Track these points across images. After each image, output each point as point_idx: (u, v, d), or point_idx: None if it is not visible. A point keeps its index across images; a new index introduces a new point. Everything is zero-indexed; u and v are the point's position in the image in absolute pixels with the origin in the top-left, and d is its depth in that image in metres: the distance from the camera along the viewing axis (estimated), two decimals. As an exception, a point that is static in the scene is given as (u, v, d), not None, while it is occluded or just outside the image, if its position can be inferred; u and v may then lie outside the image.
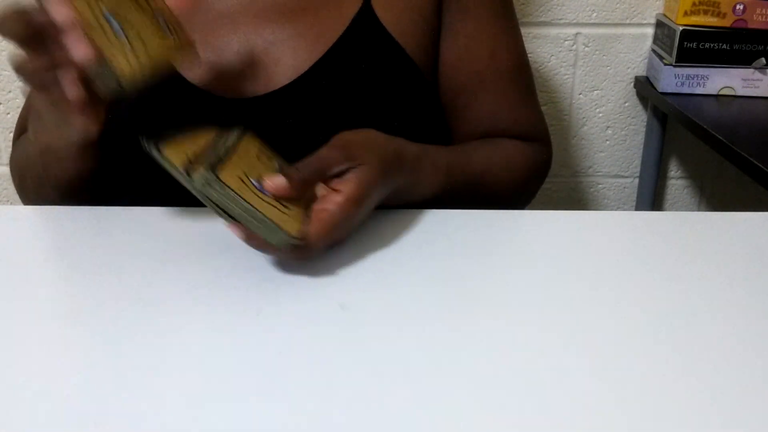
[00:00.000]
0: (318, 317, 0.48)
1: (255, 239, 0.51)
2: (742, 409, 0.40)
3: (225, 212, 0.49)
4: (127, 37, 0.51)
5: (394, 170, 0.59)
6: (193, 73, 0.68)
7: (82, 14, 0.48)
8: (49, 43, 0.49)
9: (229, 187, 0.48)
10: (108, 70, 0.50)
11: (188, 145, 0.52)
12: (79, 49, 0.48)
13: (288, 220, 0.51)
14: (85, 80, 0.52)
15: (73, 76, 0.50)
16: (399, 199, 0.61)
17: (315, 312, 0.48)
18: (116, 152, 0.66)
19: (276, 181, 0.52)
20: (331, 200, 0.53)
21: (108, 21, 0.50)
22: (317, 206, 0.53)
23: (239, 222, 0.49)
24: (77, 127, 0.55)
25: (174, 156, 0.49)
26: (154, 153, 0.48)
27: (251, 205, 0.49)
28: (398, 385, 0.41)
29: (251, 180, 0.52)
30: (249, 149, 0.56)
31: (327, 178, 0.55)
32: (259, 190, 0.51)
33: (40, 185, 0.68)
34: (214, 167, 0.49)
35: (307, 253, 0.52)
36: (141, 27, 0.53)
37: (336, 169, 0.54)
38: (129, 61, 0.50)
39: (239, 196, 0.48)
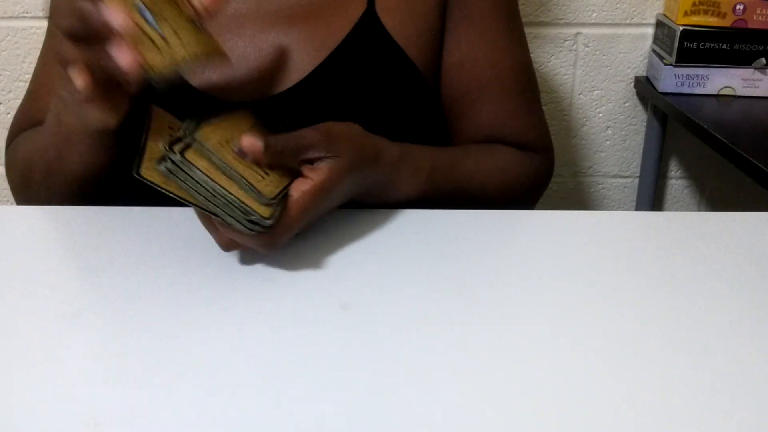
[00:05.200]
0: (319, 317, 0.48)
1: (213, 225, 0.51)
2: (743, 408, 0.40)
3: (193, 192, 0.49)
4: (161, 31, 0.51)
5: (368, 167, 0.59)
6: (197, 76, 0.68)
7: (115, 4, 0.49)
8: (93, 37, 0.49)
9: (196, 166, 0.49)
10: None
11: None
12: (125, 56, 0.48)
13: (258, 194, 0.50)
14: (107, 71, 0.52)
15: (85, 71, 0.51)
16: (373, 197, 0.62)
17: (316, 312, 0.48)
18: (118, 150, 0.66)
19: (252, 142, 0.52)
20: (297, 188, 0.53)
21: (142, 14, 0.50)
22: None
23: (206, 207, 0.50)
24: (93, 117, 0.56)
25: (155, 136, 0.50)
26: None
27: (217, 183, 0.49)
28: (399, 385, 0.41)
29: (231, 146, 0.52)
30: (240, 122, 0.56)
31: (301, 161, 0.55)
32: (239, 154, 0.51)
33: (50, 177, 0.67)
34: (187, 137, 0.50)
35: (275, 239, 0.52)
36: (176, 23, 0.53)
37: (312, 154, 0.54)
38: (162, 54, 0.50)
39: (204, 174, 0.49)
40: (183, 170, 0.48)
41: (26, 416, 0.39)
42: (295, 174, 0.54)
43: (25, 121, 0.76)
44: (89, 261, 0.54)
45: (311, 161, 0.55)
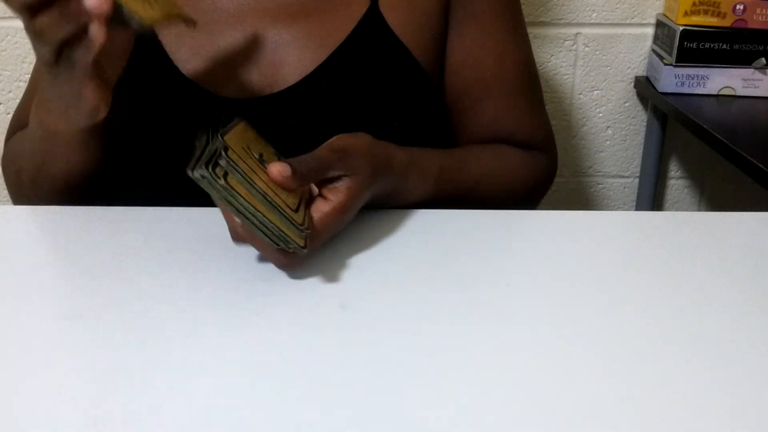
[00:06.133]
0: (318, 317, 0.48)
1: (242, 233, 0.51)
2: (743, 408, 0.40)
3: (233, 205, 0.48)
4: None
5: (382, 177, 0.59)
6: (196, 70, 0.68)
7: None
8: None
9: (239, 193, 0.48)
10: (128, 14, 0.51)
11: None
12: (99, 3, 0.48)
13: (296, 226, 0.50)
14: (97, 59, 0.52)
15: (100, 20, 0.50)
16: (383, 203, 0.62)
17: (315, 312, 0.48)
18: (118, 148, 0.66)
19: (280, 169, 0.50)
20: (318, 209, 0.53)
21: None
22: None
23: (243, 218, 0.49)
24: (89, 102, 0.54)
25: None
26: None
27: (258, 211, 0.48)
28: (399, 384, 0.41)
29: (253, 153, 0.52)
30: (246, 132, 0.56)
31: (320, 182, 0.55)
32: (262, 165, 0.51)
33: (38, 178, 0.67)
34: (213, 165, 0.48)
35: (295, 259, 0.52)
36: None
37: (331, 174, 0.54)
38: (145, 8, 0.51)
39: (246, 201, 0.48)
40: (226, 194, 0.47)
41: (26, 416, 0.39)
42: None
43: (21, 121, 0.76)
44: (89, 261, 0.54)
45: (329, 180, 0.55)
